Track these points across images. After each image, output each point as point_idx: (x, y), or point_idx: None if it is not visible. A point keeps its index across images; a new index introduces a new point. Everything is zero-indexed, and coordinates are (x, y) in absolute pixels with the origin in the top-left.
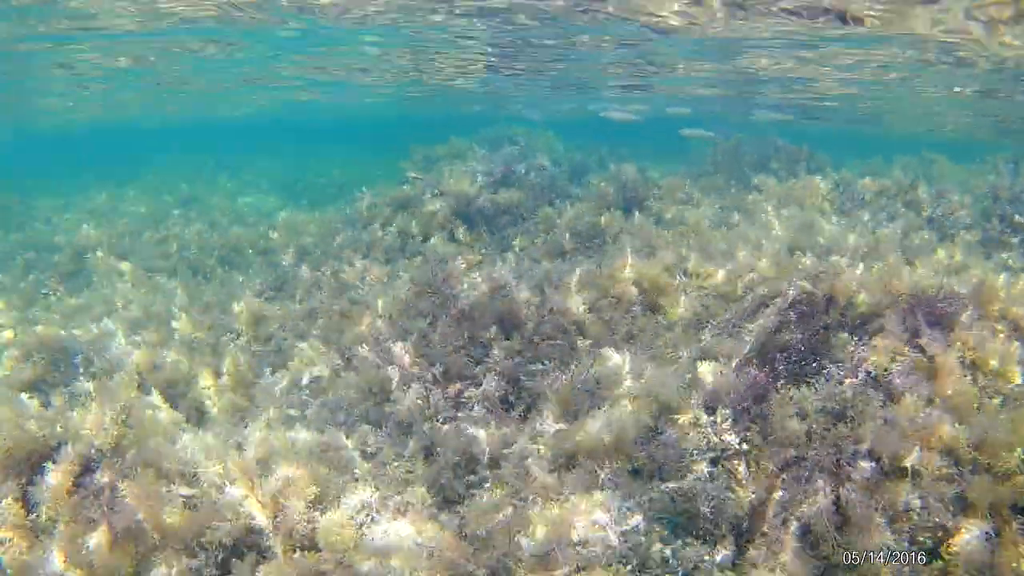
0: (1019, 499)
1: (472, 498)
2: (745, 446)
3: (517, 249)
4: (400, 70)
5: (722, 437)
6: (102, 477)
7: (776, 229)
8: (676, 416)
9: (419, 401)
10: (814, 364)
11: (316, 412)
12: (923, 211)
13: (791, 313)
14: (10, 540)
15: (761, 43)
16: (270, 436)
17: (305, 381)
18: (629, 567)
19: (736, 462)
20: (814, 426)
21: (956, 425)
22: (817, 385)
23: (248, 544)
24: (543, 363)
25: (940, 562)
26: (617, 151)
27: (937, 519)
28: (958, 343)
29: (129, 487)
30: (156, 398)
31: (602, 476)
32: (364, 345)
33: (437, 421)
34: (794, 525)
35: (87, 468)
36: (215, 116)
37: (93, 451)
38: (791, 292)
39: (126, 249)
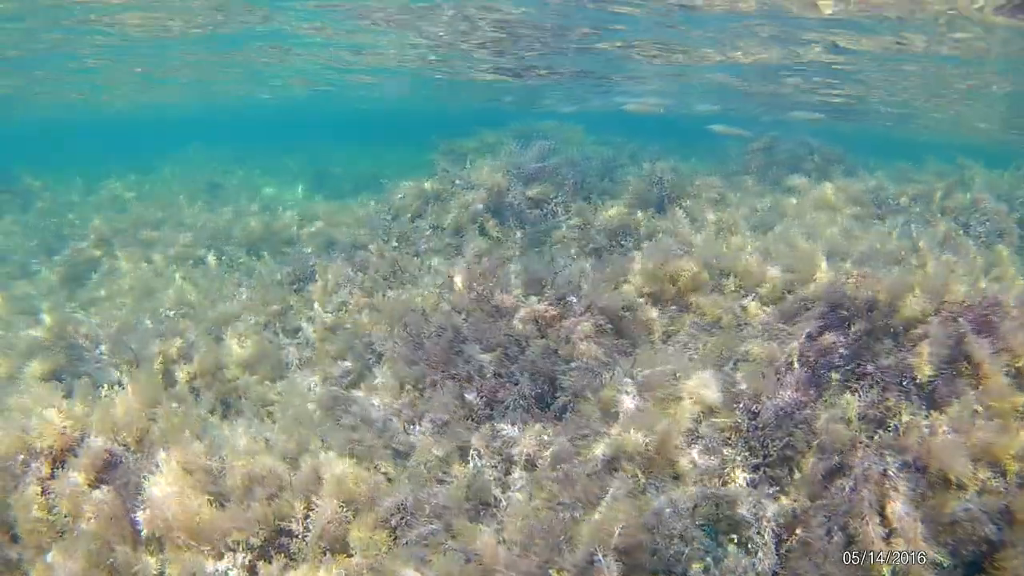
0: None
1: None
2: (788, 452)
3: (552, 245)
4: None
5: (763, 443)
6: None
7: (815, 233)
8: (717, 420)
9: None
10: (857, 370)
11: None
12: (960, 217)
13: (833, 318)
14: None
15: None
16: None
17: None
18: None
19: (778, 469)
20: (858, 433)
21: (1001, 435)
22: (861, 392)
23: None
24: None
25: None
26: (646, 147)
27: (983, 532)
28: (1003, 351)
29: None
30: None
31: (643, 480)
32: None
33: None
34: (838, 535)
35: (110, 463)
36: (246, 101)
37: (117, 445)
38: (833, 297)
39: (151, 238)
